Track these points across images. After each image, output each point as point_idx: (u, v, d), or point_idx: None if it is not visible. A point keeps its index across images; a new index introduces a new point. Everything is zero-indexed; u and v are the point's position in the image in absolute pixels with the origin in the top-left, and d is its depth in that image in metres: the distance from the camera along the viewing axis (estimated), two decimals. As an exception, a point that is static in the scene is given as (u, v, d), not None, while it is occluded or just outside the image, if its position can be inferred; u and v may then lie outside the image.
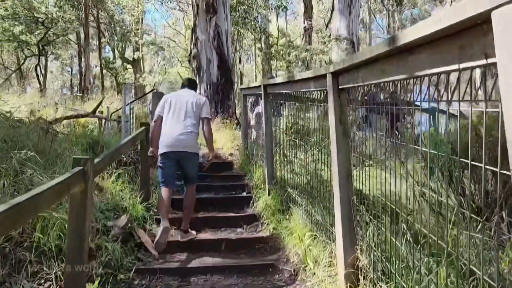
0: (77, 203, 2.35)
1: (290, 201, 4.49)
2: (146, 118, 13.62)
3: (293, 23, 38.48)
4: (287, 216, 4.38)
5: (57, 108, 12.80)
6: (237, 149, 11.30)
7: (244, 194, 5.80)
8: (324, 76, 2.99)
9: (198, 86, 14.34)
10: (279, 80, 4.46)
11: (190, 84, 4.79)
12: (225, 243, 4.16)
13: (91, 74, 31.59)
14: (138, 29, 25.23)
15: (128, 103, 7.69)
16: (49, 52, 34.39)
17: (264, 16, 20.93)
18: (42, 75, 37.80)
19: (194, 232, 4.42)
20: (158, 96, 6.90)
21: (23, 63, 26.17)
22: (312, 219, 3.74)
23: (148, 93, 8.56)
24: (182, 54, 24.56)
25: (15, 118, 6.45)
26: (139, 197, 4.73)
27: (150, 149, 4.35)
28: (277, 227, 4.35)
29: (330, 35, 22.71)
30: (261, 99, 6.20)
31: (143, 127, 4.71)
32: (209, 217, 4.85)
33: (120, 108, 8.77)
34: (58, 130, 6.22)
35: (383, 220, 2.55)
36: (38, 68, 27.74)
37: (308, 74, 3.41)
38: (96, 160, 2.62)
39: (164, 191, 4.25)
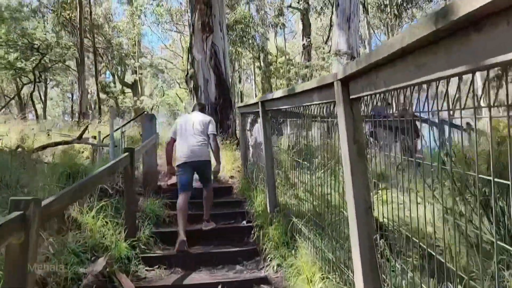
0: (14, 259, 1.80)
1: (295, 232, 3.90)
2: (139, 142, 13.15)
3: (291, 41, 38.44)
4: (293, 251, 3.78)
5: (49, 135, 12.34)
6: (238, 171, 10.75)
7: (245, 223, 5.20)
8: (330, 85, 2.45)
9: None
10: (278, 94, 3.94)
11: (199, 107, 5.53)
12: (221, 286, 3.55)
13: (91, 99, 31.42)
14: (135, 52, 25.04)
15: (119, 127, 7.17)
16: (48, 79, 34.33)
17: (262, 34, 20.67)
18: (42, 102, 37.69)
19: (213, 223, 5.08)
20: (149, 118, 6.40)
21: (21, 90, 25.90)
22: (322, 256, 3.15)
23: (138, 116, 8.10)
24: (181, 76, 24.28)
25: (-7, 148, 5.94)
26: (124, 233, 4.15)
27: (168, 167, 5.25)
28: (281, 264, 3.75)
29: (329, 50, 22.45)
30: (259, 118, 5.69)
31: (126, 153, 4.16)
32: (204, 253, 4.24)
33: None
34: (39, 159, 5.69)
35: (410, 259, 1.98)
36: (34, 95, 27.54)
37: (310, 84, 2.88)
38: (46, 201, 2.06)
39: (182, 197, 4.83)
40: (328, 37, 32.81)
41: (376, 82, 1.82)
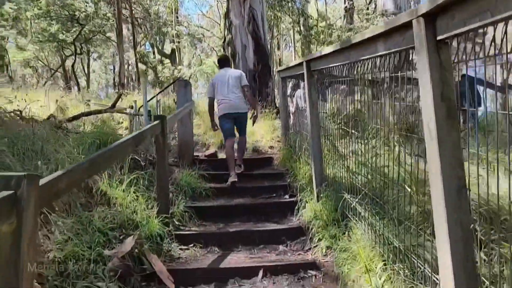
0: (6, 253, 1.42)
1: (347, 209, 3.39)
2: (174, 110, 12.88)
3: (332, 5, 36.80)
4: (345, 231, 3.28)
5: (88, 105, 12.31)
6: (278, 141, 10.27)
7: (287, 197, 4.74)
8: (405, 27, 1.87)
9: (234, 74, 13.40)
10: (328, 50, 3.35)
11: (225, 63, 6.10)
12: (263, 270, 3.13)
13: (132, 71, 31.57)
14: (172, 21, 24.59)
15: (153, 96, 6.80)
16: (91, 51, 34.79)
17: (301, -3, 19.56)
18: (85, 74, 38.48)
19: (242, 167, 5.75)
20: (183, 84, 5.97)
21: (64, 62, 26.30)
22: (383, 241, 2.63)
23: (173, 83, 7.70)
24: (218, 44, 23.69)
25: (27, 117, 5.74)
26: (156, 208, 3.80)
27: (212, 123, 5.90)
28: (332, 246, 3.26)
29: (374, 11, 21.03)
30: (302, 81, 5.11)
31: (156, 121, 3.75)
32: (243, 231, 3.82)
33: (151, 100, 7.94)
34: (71, 129, 5.44)
35: None
36: (78, 67, 27.92)
37: (374, 30, 2.28)
38: (48, 178, 1.66)
39: (228, 143, 5.55)
40: (371, -1, 30.92)
41: (488, 9, 1.23)
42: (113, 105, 7.39)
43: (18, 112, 5.27)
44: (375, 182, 3.12)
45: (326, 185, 3.97)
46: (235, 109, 5.50)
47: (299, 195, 4.41)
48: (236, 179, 5.09)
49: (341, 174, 3.73)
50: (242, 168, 5.70)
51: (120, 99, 7.77)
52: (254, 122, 6.08)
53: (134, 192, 3.81)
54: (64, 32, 20.64)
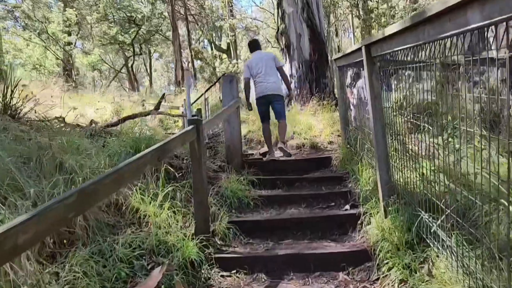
0: None
1: (425, 231, 2.66)
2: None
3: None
4: (423, 260, 2.56)
5: (143, 106, 12.33)
6: (338, 135, 9.48)
7: (348, 208, 4.03)
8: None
9: (289, 65, 12.74)
10: (393, 29, 2.62)
11: (257, 46, 6.09)
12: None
13: (191, 68, 31.95)
14: (227, 15, 24.34)
15: (201, 95, 6.37)
16: (152, 51, 35.79)
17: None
18: (148, 73, 39.78)
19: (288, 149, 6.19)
20: (228, 80, 5.45)
21: (125, 63, 27.16)
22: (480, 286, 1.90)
23: (217, 80, 7.23)
24: (272, 35, 23.03)
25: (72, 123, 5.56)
26: (194, 226, 3.31)
27: (247, 102, 6.04)
28: (406, 280, 2.55)
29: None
30: (362, 69, 4.36)
31: (191, 126, 3.25)
32: (295, 255, 3.20)
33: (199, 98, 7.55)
34: (112, 132, 5.15)
35: None
36: (142, 67, 28.67)
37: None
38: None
39: (264, 125, 5.86)
40: (438, -25, 28.46)
41: None
42: (157, 107, 7.09)
43: (61, 118, 5.05)
44: (459, 195, 2.37)
45: (395, 197, 3.23)
46: (272, 91, 5.58)
47: (362, 207, 3.71)
48: (276, 156, 5.60)
49: (414, 182, 2.99)
50: (287, 147, 6.02)
51: (164, 100, 7.45)
52: (289, 103, 5.94)
53: (169, 208, 3.35)
54: (122, 34, 21.19)
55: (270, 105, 5.73)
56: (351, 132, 5.41)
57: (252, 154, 9.51)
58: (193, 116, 6.19)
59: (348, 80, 6.20)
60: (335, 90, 13.58)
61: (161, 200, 3.40)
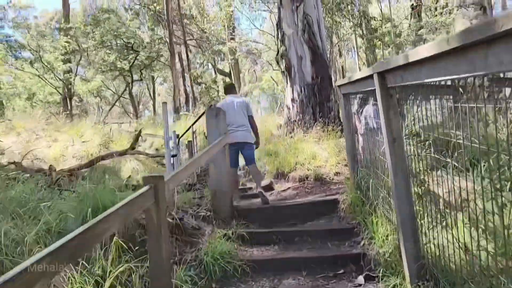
0: None
1: None
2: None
3: (395, 5, 34.35)
4: None
5: (140, 136, 11.56)
6: (345, 165, 8.59)
7: (361, 281, 3.12)
8: None
9: (290, 89, 11.99)
10: (421, 52, 1.79)
11: (230, 89, 6.07)
12: None
13: (201, 92, 31.34)
14: (231, 38, 23.86)
15: (189, 128, 5.55)
16: (155, 76, 35.43)
17: (362, -2, 17.72)
18: (152, 98, 39.38)
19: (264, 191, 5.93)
20: (214, 112, 4.63)
21: (125, 89, 26.65)
22: None
23: (202, 114, 6.45)
24: (274, 57, 22.45)
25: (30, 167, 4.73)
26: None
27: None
28: None
29: (445, 5, 18.58)
30: (373, 99, 3.53)
31: (147, 187, 2.40)
32: None
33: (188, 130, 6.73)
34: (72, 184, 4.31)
35: None
36: (142, 92, 28.17)
37: None
38: None
39: (233, 170, 5.61)
40: (441, -7, 28.18)
41: None
42: (132, 146, 6.25)
43: (18, 163, 4.23)
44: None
45: (428, 279, 2.33)
46: (241, 139, 5.55)
47: (382, 282, 2.80)
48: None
49: (456, 255, 2.09)
50: (266, 198, 5.59)
51: (141, 138, 6.63)
52: (257, 147, 6.16)
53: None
54: (121, 60, 20.70)
55: (239, 152, 5.73)
56: (360, 172, 4.52)
57: (251, 188, 8.64)
58: (172, 156, 5.38)
59: (355, 107, 5.35)
60: (340, 115, 12.80)
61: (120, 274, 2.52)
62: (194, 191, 5.44)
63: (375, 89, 2.84)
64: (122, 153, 6.02)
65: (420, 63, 1.88)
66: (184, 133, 7.16)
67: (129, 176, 5.98)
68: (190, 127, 6.28)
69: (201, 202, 4.85)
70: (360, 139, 5.21)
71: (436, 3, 27.27)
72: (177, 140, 7.05)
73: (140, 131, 6.40)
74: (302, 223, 4.51)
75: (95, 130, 11.62)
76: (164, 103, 4.83)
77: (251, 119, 5.74)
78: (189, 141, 7.05)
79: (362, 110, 5.26)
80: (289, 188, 7.95)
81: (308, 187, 7.76)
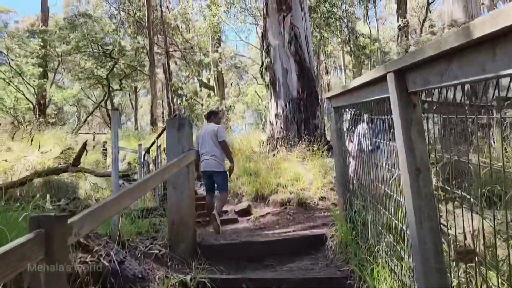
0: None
1: None
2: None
3: (381, 27, 34.54)
4: None
5: (105, 148, 10.55)
6: (332, 189, 7.76)
7: None
8: None
9: (274, 103, 11.21)
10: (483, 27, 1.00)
11: (209, 117, 6.19)
12: None
13: (181, 104, 30.36)
14: (215, 50, 23.11)
15: (153, 143, 4.65)
16: (139, 87, 34.38)
17: (350, 14, 17.23)
18: (133, 110, 38.26)
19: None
20: (176, 124, 3.73)
21: (105, 99, 25.48)
22: None
23: (163, 130, 5.61)
24: (256, 70, 21.74)
25: None
26: None
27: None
28: None
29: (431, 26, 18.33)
30: (382, 113, 2.73)
31: (31, 234, 1.49)
32: None
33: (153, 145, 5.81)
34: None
35: None
36: (123, 102, 26.99)
37: None
38: None
39: (207, 197, 5.95)
40: (426, 16, 28.38)
41: None
42: (76, 161, 5.26)
43: None
44: None
45: None
46: (211, 168, 5.63)
47: None
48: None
49: None
50: (218, 220, 5.48)
51: (85, 153, 5.67)
52: (230, 174, 6.07)
53: None
54: (98, 67, 19.67)
55: (211, 179, 5.79)
56: (354, 204, 3.66)
57: (226, 212, 7.72)
58: (122, 176, 4.44)
59: (345, 125, 4.53)
60: (327, 133, 12.04)
61: None
62: (153, 218, 4.51)
63: (385, 98, 2.01)
64: (61, 170, 5.04)
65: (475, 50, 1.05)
66: (149, 148, 6.23)
67: (73, 199, 4.99)
68: (154, 141, 5.40)
69: (158, 234, 3.92)
70: (352, 162, 4.38)
71: (422, 25, 27.31)
72: (142, 155, 6.11)
73: (85, 144, 5.48)
74: (281, 265, 3.61)
75: (58, 140, 10.57)
76: (115, 110, 3.93)
77: (222, 143, 5.68)
78: (154, 157, 6.13)
79: (354, 129, 4.44)
80: (268, 213, 7.06)
81: (290, 213, 6.88)
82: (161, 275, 3.15)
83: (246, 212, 7.27)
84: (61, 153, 7.00)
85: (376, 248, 2.87)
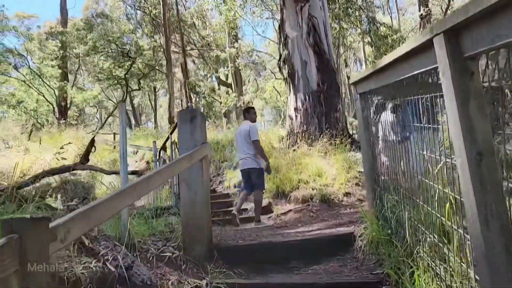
0: None
1: None
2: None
3: (401, 18, 33.74)
4: None
5: (114, 147, 10.40)
6: (357, 184, 7.37)
7: None
8: None
9: (294, 97, 10.84)
10: None
11: (244, 114, 6.51)
12: None
13: (199, 103, 30.26)
14: (231, 46, 22.83)
15: (167, 140, 4.39)
16: (158, 87, 34.47)
17: (370, 3, 16.64)
18: (153, 110, 38.44)
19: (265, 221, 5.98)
20: (188, 116, 3.43)
21: (122, 99, 25.59)
22: None
23: (173, 128, 5.32)
24: (274, 64, 21.33)
25: None
26: None
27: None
28: None
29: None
30: (411, 94, 2.37)
31: (3, 239, 1.22)
32: None
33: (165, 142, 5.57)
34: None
35: None
36: (132, 103, 27.08)
37: None
38: None
39: (241, 194, 6.27)
40: (449, 5, 27.51)
41: None
42: (85, 159, 5.05)
43: None
44: None
45: None
46: (247, 166, 5.82)
47: None
48: (262, 225, 5.64)
49: None
50: (259, 224, 5.75)
51: (94, 149, 5.44)
52: (268, 171, 6.09)
53: None
54: (116, 68, 19.66)
55: (249, 176, 5.92)
56: (387, 199, 3.29)
57: (246, 209, 7.41)
58: (131, 173, 4.19)
59: (371, 113, 4.14)
60: (349, 126, 11.59)
61: None
62: (167, 217, 4.24)
63: (431, 69, 1.66)
64: (70, 168, 4.86)
65: None
66: (164, 143, 5.99)
67: (84, 199, 4.77)
68: (167, 137, 5.15)
69: (172, 234, 3.65)
70: (381, 155, 3.99)
71: (445, 14, 26.40)
72: (157, 152, 5.86)
73: (92, 140, 5.25)
74: (306, 267, 3.29)
75: (76, 140, 10.48)
76: (121, 102, 3.66)
77: (254, 143, 5.79)
78: (169, 154, 5.86)
79: (378, 118, 4.05)
80: (290, 210, 6.73)
81: (313, 210, 6.54)
82: (174, 280, 2.87)
83: (266, 210, 6.96)
84: (57, 153, 6.81)
85: (416, 248, 2.51)
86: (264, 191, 6.35)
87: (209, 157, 3.56)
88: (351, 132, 10.43)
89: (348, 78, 24.56)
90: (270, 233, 4.64)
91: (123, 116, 3.12)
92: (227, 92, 25.95)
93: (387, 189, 3.38)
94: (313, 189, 7.14)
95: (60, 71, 17.94)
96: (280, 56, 11.63)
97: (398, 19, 25.67)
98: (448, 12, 26.63)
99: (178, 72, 28.83)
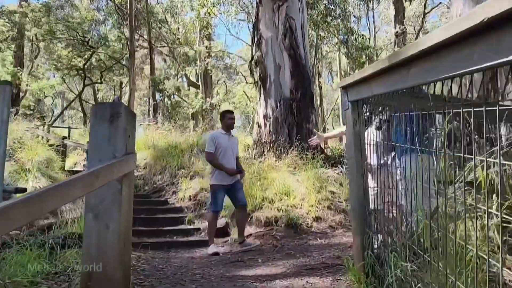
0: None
1: None
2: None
3: (376, 35, 33.83)
4: None
5: (48, 141, 9.11)
6: (328, 207, 6.42)
7: None
8: None
9: (264, 103, 9.86)
10: None
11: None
12: None
13: (162, 102, 28.76)
14: (198, 43, 21.66)
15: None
16: (124, 82, 32.69)
17: (350, 13, 15.99)
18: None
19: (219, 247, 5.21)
20: (107, 114, 2.33)
21: (82, 92, 23.80)
22: None
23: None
24: (247, 68, 20.37)
25: None
26: None
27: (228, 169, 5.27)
28: None
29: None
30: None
31: None
32: None
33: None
34: None
35: None
36: (106, 97, 25.46)
37: None
38: None
39: (216, 215, 5.26)
40: (422, 26, 27.78)
41: None
42: None
43: None
44: None
45: None
46: (232, 180, 5.19)
47: None
48: (217, 251, 4.89)
49: None
50: (211, 249, 4.92)
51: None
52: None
53: None
54: (75, 57, 18.08)
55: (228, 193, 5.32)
56: (389, 254, 2.29)
57: (199, 229, 6.32)
58: (18, 191, 3.07)
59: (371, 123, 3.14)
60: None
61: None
62: (72, 250, 3.09)
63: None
64: None
65: None
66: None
67: None
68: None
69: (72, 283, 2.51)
70: (369, 177, 3.00)
71: (417, 35, 26.49)
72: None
73: None
74: None
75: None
76: (6, 84, 2.51)
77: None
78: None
79: (369, 129, 3.07)
80: (250, 235, 5.68)
81: (277, 237, 5.51)
82: None
83: (223, 232, 5.90)
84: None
85: None
86: (218, 211, 5.30)
87: (133, 175, 2.46)
88: (323, 147, 9.51)
89: (321, 89, 23.93)
90: (220, 273, 3.57)
91: (5, 100, 1.97)
92: (196, 94, 24.69)
93: (378, 229, 2.40)
94: (278, 210, 6.16)
95: (12, 54, 16.20)
96: (252, 57, 10.64)
97: (373, 35, 25.40)
98: (420, 34, 26.79)
99: (147, 69, 27.35)
